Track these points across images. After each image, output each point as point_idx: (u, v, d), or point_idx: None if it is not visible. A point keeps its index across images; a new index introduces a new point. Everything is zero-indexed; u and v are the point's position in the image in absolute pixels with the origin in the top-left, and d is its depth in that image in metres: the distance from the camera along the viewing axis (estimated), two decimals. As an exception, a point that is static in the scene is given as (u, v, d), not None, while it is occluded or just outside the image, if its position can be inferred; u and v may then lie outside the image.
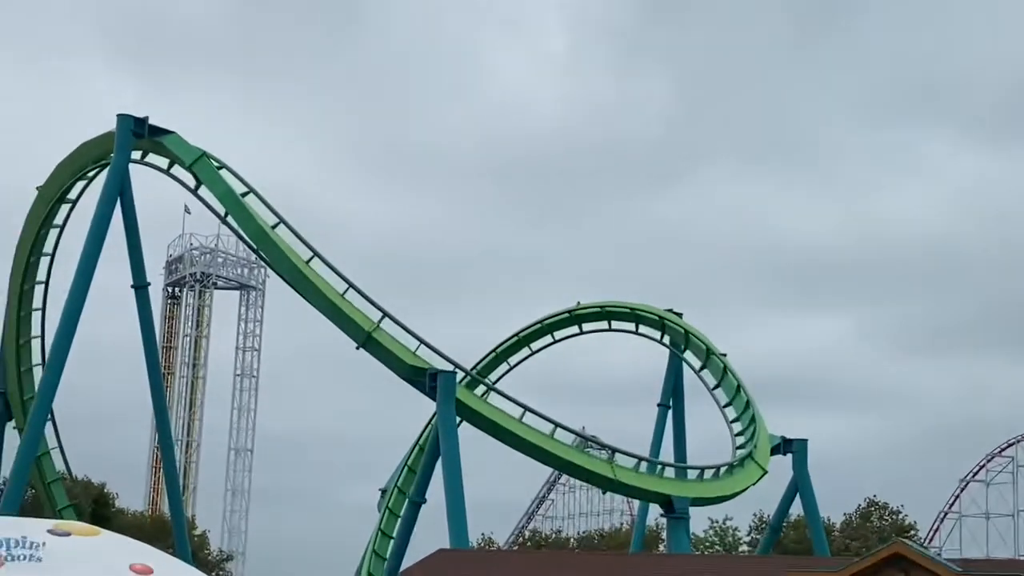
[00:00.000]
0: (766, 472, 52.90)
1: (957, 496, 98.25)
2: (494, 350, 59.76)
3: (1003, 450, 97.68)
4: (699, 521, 75.89)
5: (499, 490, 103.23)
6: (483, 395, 49.89)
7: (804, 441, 55.58)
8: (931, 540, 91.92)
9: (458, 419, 46.64)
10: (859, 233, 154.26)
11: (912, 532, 79.20)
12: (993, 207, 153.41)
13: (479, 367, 57.40)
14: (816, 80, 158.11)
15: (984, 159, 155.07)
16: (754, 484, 52.45)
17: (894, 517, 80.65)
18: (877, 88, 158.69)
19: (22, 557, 17.56)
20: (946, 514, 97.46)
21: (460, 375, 47.46)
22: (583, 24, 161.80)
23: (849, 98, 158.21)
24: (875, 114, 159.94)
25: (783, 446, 55.09)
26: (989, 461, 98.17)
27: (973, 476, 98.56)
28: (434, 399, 46.07)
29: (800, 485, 55.53)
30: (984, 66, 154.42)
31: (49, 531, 18.75)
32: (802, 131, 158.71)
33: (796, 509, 59.04)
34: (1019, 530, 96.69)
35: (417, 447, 56.23)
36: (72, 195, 52.90)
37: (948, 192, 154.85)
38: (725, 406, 55.78)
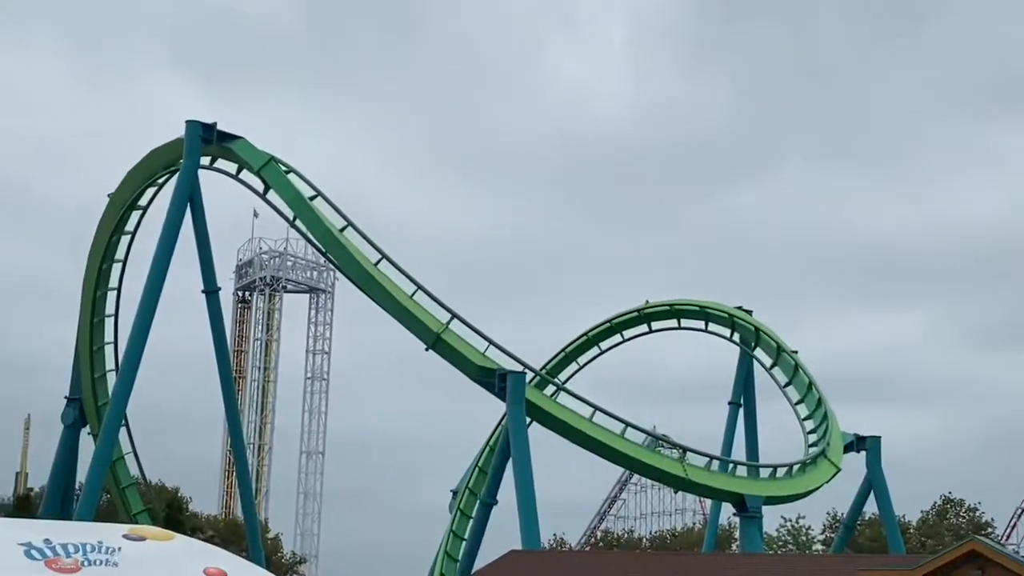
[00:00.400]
0: (839, 470, 52.43)
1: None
2: (563, 350, 59.68)
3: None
4: (771, 520, 75.55)
5: (570, 491, 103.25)
6: (553, 395, 49.83)
7: (877, 438, 55.08)
8: (1008, 537, 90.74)
9: (528, 419, 46.60)
10: (931, 228, 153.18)
11: (989, 529, 78.35)
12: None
13: (548, 367, 57.37)
14: (886, 76, 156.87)
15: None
16: (827, 482, 52.00)
17: (971, 514, 79.83)
18: (947, 82, 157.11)
19: (98, 562, 17.65)
20: (1023, 511, 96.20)
21: (529, 375, 47.38)
22: (647, 24, 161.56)
23: (919, 93, 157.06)
24: (946, 108, 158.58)
25: (856, 443, 54.63)
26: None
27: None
28: (504, 400, 46.02)
29: (874, 483, 55.02)
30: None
31: (124, 536, 18.85)
32: (872, 127, 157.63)
33: (871, 507, 58.52)
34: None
35: (487, 448, 56.26)
36: (143, 202, 53.35)
37: (1021, 186, 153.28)
38: (797, 403, 55.36)
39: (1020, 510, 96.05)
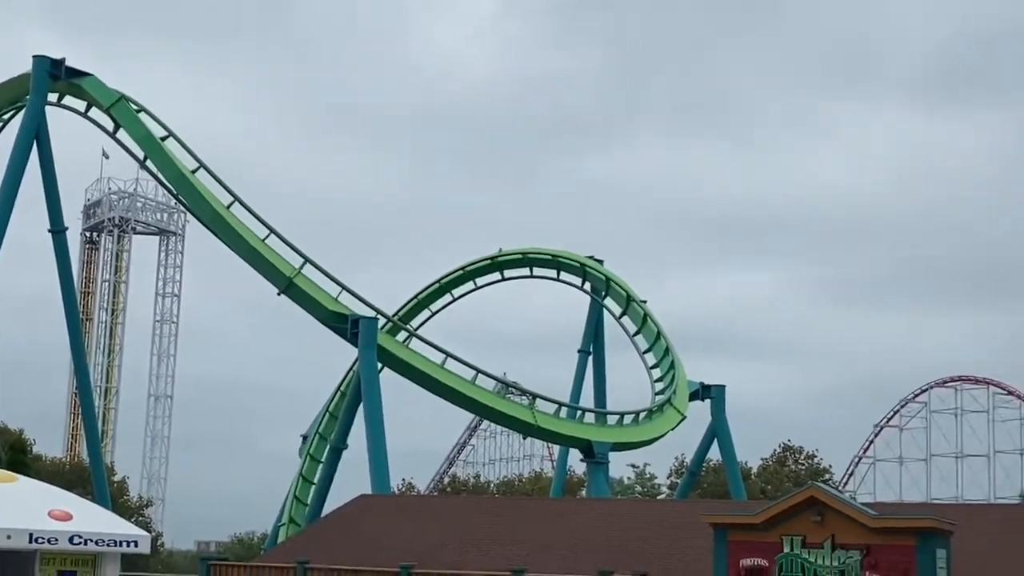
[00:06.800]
0: (685, 417, 53.49)
1: (871, 441, 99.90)
2: (416, 296, 59.74)
3: (916, 396, 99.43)
4: (618, 467, 76.75)
5: (420, 436, 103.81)
6: (405, 341, 49.96)
7: (722, 387, 56.28)
8: (846, 484, 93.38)
9: (380, 365, 46.71)
10: (779, 192, 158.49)
11: (827, 476, 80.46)
12: (908, 168, 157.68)
13: (401, 313, 57.41)
14: (738, 50, 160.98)
15: (901, 122, 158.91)
16: (673, 429, 53.04)
17: (809, 461, 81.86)
18: (794, 56, 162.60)
19: (-61, 503, 17.46)
20: (860, 459, 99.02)
21: (382, 321, 47.48)
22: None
23: (769, 66, 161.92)
24: (794, 81, 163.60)
25: (702, 392, 55.79)
26: (903, 407, 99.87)
27: (887, 422, 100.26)
28: (356, 345, 46.09)
29: (718, 430, 56.29)
30: (904, 33, 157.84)
31: (-34, 478, 18.65)
32: (725, 98, 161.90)
33: (715, 454, 59.79)
34: (931, 474, 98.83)
35: (339, 393, 56.24)
36: (-14, 138, 52.02)
37: (865, 154, 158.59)
38: (645, 352, 56.26)
39: (858, 458, 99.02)
